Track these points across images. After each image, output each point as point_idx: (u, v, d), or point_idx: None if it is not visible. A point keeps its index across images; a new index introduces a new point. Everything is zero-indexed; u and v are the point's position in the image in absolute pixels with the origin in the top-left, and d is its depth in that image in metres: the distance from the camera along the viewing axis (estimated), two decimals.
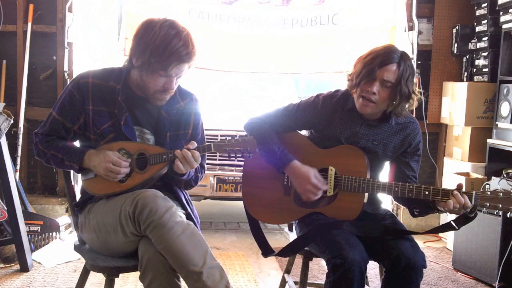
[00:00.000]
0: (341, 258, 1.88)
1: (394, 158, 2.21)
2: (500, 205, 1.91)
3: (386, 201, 3.94)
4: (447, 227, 2.10)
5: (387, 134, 2.15)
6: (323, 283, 1.99)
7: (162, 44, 1.87)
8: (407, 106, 2.08)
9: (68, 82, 3.80)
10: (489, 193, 1.93)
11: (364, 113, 2.08)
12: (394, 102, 2.03)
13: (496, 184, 3.11)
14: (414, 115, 2.32)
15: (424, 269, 1.99)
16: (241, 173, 2.31)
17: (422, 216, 2.15)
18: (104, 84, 2.02)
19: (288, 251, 2.16)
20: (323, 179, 2.10)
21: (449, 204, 1.93)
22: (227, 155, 1.98)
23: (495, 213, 3.06)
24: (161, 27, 1.89)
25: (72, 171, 2.12)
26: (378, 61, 2.00)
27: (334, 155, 2.13)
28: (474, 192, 1.94)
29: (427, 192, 1.98)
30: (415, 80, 2.07)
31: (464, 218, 2.02)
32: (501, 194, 1.92)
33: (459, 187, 1.96)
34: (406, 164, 2.19)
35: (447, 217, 3.87)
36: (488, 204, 1.93)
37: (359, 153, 2.11)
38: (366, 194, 2.08)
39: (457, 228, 2.05)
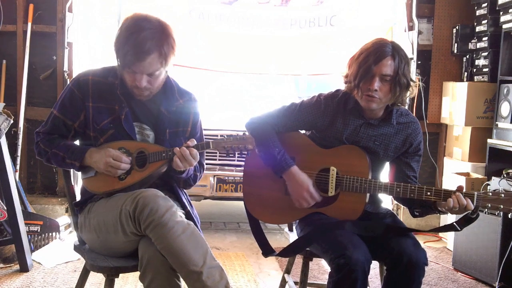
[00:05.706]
0: (345, 258, 1.87)
1: (395, 159, 2.19)
2: (502, 206, 1.89)
3: (386, 201, 3.94)
4: (450, 227, 2.09)
5: (389, 134, 2.13)
6: (323, 283, 1.99)
7: (120, 44, 1.92)
8: (407, 94, 2.08)
9: (68, 82, 3.83)
10: (490, 194, 1.91)
11: (370, 108, 2.06)
12: (396, 94, 2.02)
13: (496, 184, 3.11)
14: (414, 115, 2.32)
15: (425, 267, 1.99)
16: (241, 173, 2.31)
17: (423, 217, 2.14)
18: (104, 81, 2.04)
19: (289, 251, 2.15)
20: (317, 193, 2.09)
21: (449, 202, 1.91)
22: (226, 154, 2.00)
23: (496, 213, 3.08)
24: (126, 26, 1.94)
25: (72, 170, 2.13)
26: (372, 58, 1.99)
27: (336, 155, 2.12)
28: (476, 193, 1.92)
29: (428, 193, 1.96)
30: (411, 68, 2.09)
31: (466, 219, 2.01)
32: (503, 195, 1.90)
33: (459, 189, 1.95)
34: (407, 164, 2.18)
35: (447, 217, 3.87)
36: (489, 205, 1.91)
37: (361, 153, 2.09)
38: (368, 195, 2.07)
39: (459, 229, 2.04)
